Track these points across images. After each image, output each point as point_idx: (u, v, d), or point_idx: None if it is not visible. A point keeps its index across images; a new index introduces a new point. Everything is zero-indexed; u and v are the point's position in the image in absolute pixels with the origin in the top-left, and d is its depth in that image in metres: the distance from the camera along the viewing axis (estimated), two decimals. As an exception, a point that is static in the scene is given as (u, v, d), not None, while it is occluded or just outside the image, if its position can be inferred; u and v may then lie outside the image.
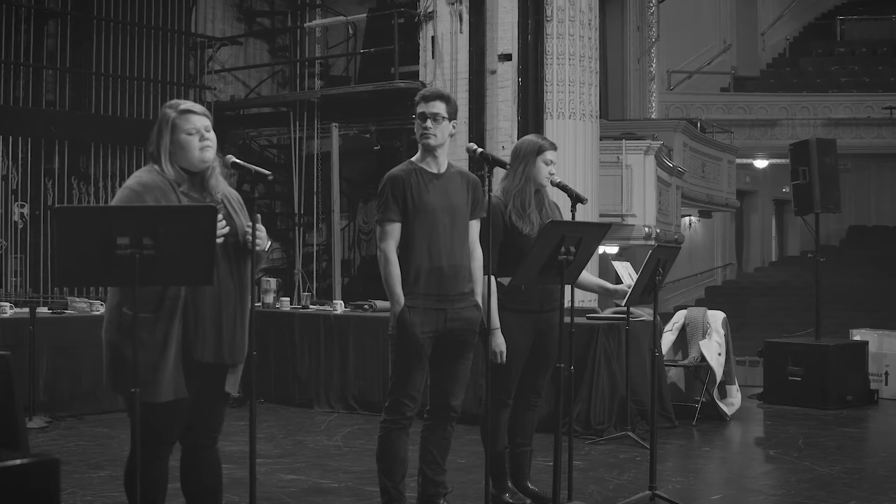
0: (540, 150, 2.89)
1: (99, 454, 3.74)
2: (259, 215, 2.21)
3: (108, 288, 2.21)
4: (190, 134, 2.13)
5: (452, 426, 2.72)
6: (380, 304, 4.85)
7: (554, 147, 2.96)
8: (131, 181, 2.16)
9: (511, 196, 2.88)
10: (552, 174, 2.92)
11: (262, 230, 2.18)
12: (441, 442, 2.70)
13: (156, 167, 2.16)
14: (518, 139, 4.27)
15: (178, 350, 2.10)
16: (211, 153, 2.16)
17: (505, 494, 2.96)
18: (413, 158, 2.69)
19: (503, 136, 6.06)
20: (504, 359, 2.78)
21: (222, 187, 2.20)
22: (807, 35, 14.77)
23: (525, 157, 2.89)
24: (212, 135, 2.17)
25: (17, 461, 1.74)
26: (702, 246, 12.68)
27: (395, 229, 2.60)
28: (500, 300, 2.78)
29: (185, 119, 2.14)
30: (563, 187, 2.94)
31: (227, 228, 2.12)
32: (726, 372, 4.68)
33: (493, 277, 2.67)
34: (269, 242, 2.21)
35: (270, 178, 2.20)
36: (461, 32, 6.17)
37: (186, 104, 2.19)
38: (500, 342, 2.76)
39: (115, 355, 2.10)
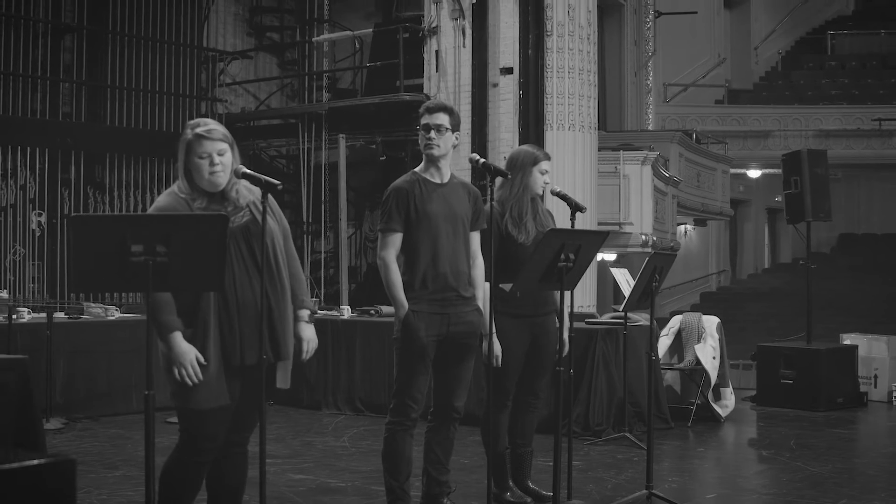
0: (535, 161, 2.95)
1: (114, 454, 3.80)
2: (310, 337, 2.25)
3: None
4: (201, 158, 2.17)
5: (455, 427, 2.76)
6: (385, 309, 4.91)
7: (548, 157, 3.01)
8: (152, 209, 2.24)
9: (508, 205, 2.92)
10: (547, 183, 3.00)
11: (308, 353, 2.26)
12: (444, 442, 2.74)
13: (176, 188, 2.23)
14: (515, 150, 4.40)
15: (219, 359, 2.15)
16: (221, 178, 2.18)
17: (506, 493, 3.00)
18: (417, 169, 2.74)
19: (505, 147, 6.14)
20: (500, 362, 2.80)
21: (244, 195, 2.24)
22: (798, 49, 14.86)
23: (522, 168, 2.94)
24: (226, 158, 2.19)
25: (35, 461, 1.75)
26: (697, 253, 12.82)
27: (396, 239, 2.66)
28: (497, 306, 2.79)
29: (198, 143, 2.18)
30: (562, 196, 3.03)
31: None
32: (720, 375, 4.73)
33: (487, 284, 2.72)
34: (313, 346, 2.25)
35: (280, 187, 2.21)
36: (464, 47, 6.26)
37: (203, 127, 2.21)
38: (496, 347, 2.78)
39: (164, 365, 2.17)
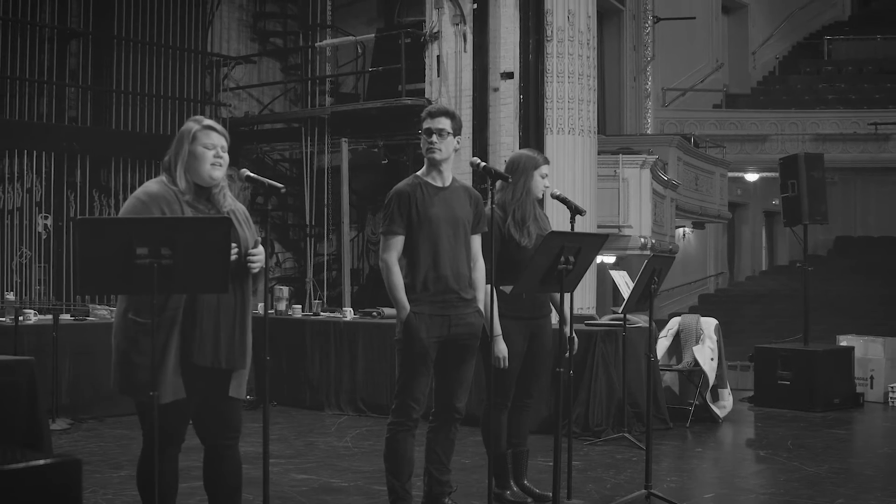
0: (537, 165, 3.01)
1: (119, 454, 3.84)
2: (259, 239, 2.25)
3: (117, 296, 2.26)
4: (207, 148, 2.20)
5: (457, 427, 2.78)
6: (387, 311, 4.94)
7: (548, 161, 3.08)
8: (139, 192, 2.22)
9: (510, 209, 2.96)
10: (546, 187, 3.06)
11: (258, 252, 2.21)
12: (446, 443, 2.77)
13: (164, 179, 2.22)
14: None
15: (177, 354, 2.14)
16: (219, 172, 2.21)
17: (507, 493, 3.04)
18: (419, 172, 2.77)
19: (505, 151, 6.15)
20: (506, 364, 2.85)
21: (229, 202, 2.25)
22: (795, 54, 14.96)
23: (524, 172, 2.98)
24: (226, 156, 2.23)
25: (41, 461, 1.77)
26: (695, 256, 12.91)
27: (398, 241, 2.68)
28: (498, 308, 2.83)
29: (206, 134, 2.21)
30: (562, 200, 3.07)
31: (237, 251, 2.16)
32: (718, 376, 4.78)
33: (488, 286, 2.72)
34: (261, 261, 2.20)
35: (283, 190, 2.27)
36: (465, 52, 6.30)
37: (210, 121, 2.27)
38: (502, 348, 2.84)
39: (121, 359, 2.17)
